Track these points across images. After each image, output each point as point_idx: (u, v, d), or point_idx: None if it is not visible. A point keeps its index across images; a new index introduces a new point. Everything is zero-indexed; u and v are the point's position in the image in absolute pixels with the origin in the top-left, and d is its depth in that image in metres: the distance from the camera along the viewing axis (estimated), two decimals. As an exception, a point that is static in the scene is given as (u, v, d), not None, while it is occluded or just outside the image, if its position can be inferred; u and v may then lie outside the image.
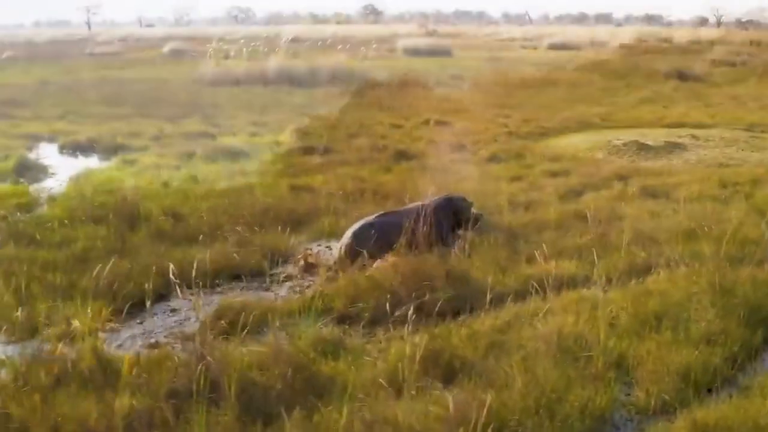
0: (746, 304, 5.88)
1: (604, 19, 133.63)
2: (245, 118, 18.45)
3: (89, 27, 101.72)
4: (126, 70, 31.46)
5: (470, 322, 5.74)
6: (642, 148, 13.62)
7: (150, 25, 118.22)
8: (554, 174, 11.52)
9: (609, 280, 6.35)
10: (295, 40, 54.78)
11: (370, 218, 7.97)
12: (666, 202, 9.69)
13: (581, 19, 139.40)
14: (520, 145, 14.30)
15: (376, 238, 7.57)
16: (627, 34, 60.85)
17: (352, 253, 7.50)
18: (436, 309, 5.56)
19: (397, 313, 5.57)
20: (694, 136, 14.94)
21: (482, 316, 5.81)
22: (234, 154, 13.56)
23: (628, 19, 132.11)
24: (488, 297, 5.67)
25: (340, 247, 7.72)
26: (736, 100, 21.55)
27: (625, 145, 13.88)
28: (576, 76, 28.42)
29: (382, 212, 8.15)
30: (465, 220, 8.20)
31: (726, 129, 16.13)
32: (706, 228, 7.83)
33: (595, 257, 6.48)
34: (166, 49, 40.99)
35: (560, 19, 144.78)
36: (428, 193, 8.21)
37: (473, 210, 8.38)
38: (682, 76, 27.42)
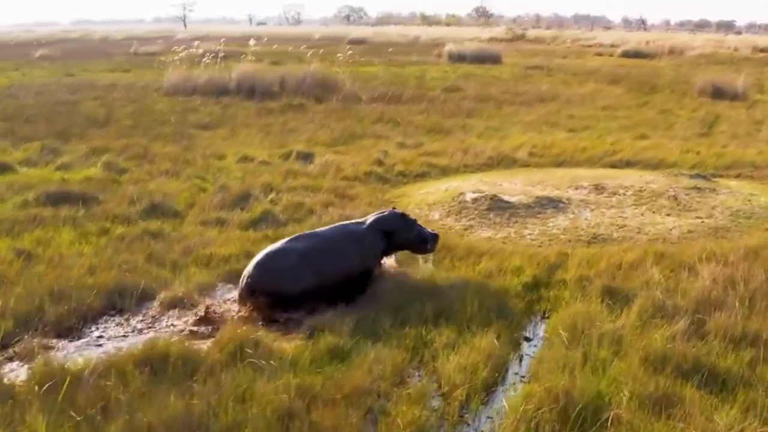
0: None
1: (725, 26, 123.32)
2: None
3: (185, 25, 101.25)
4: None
5: None
6: (497, 206, 9.58)
7: (262, 23, 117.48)
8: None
9: None
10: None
11: (280, 243, 6.62)
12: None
13: (702, 25, 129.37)
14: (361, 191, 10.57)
15: (294, 270, 6.31)
16: (734, 42, 54.83)
17: (253, 292, 6.17)
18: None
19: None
20: (598, 187, 10.69)
21: None
22: None
23: (751, 27, 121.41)
24: None
25: (240, 285, 6.31)
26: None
27: (475, 201, 9.75)
28: (581, 90, 23.52)
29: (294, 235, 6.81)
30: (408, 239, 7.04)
31: (668, 173, 11.62)
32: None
33: None
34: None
35: (683, 25, 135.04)
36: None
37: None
38: (719, 94, 22.15)
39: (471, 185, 10.67)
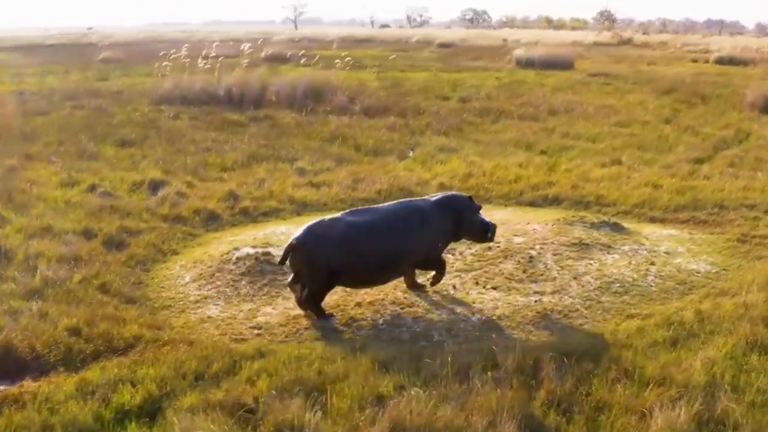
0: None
1: None
2: None
3: (296, 26, 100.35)
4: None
5: None
6: (258, 269, 7.31)
7: (385, 26, 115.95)
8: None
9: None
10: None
11: (336, 215, 6.37)
12: None
13: None
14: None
15: (345, 243, 5.97)
16: None
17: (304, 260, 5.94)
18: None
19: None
20: None
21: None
22: None
23: None
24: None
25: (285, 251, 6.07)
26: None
27: (239, 260, 7.50)
28: (616, 101, 20.22)
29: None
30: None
31: (566, 219, 8.86)
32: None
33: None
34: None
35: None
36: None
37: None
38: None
39: (267, 236, 8.16)
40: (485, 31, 76.56)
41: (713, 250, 8.16)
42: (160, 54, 22.51)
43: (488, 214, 7.36)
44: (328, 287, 6.20)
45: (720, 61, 38.24)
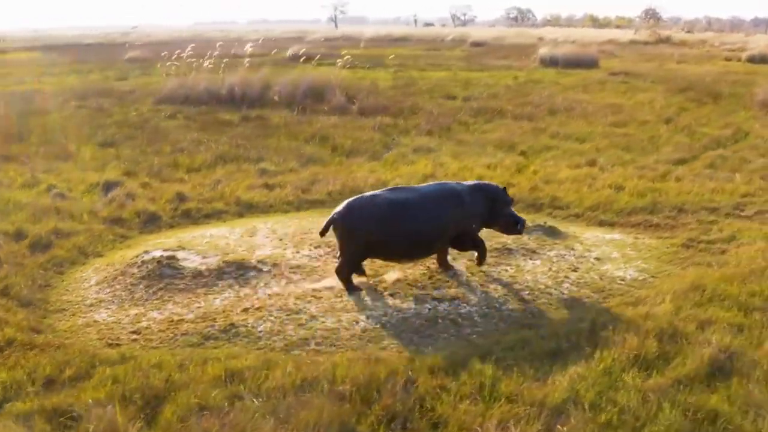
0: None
1: None
2: None
3: (336, 25, 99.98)
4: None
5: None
6: (159, 273, 7.22)
7: (429, 24, 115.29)
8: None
9: None
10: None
11: (376, 191, 6.66)
12: None
13: None
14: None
15: (382, 218, 6.24)
16: None
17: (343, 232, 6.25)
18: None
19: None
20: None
21: None
22: None
23: None
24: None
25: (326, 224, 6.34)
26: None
27: (143, 264, 7.43)
28: (625, 100, 19.68)
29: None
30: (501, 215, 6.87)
31: None
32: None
33: None
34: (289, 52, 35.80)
35: None
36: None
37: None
38: None
39: (188, 240, 7.98)
40: (524, 30, 75.54)
41: (651, 256, 7.76)
42: (176, 53, 22.52)
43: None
44: (363, 258, 6.53)
45: (751, 60, 37.06)
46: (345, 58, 21.21)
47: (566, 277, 6.96)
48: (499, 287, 6.67)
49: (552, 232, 8.07)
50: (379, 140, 13.97)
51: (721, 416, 4.52)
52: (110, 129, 15.23)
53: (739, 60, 38.11)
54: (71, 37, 62.20)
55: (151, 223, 9.02)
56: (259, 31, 72.41)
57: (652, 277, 7.11)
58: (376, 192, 6.63)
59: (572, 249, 7.66)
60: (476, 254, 6.97)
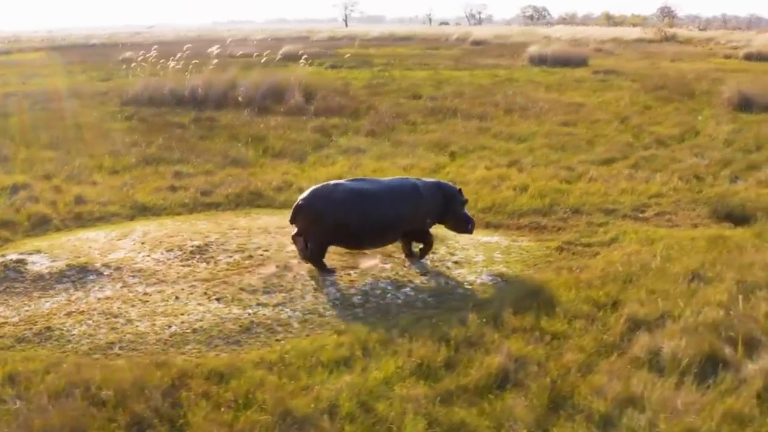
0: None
1: None
2: None
3: (346, 24, 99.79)
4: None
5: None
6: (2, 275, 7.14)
7: (444, 23, 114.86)
8: None
9: None
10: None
11: (339, 180, 7.12)
12: None
13: None
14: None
15: (343, 203, 6.63)
16: None
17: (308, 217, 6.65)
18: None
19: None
20: (200, 249, 7.86)
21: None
22: None
23: None
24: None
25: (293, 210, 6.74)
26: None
27: None
28: (587, 99, 19.39)
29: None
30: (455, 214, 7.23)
31: None
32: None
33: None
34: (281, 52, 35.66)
35: None
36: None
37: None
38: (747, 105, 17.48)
39: (53, 243, 7.96)
40: (532, 29, 75.06)
41: (518, 260, 7.60)
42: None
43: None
44: (330, 242, 6.81)
45: (748, 57, 36.53)
46: (304, 58, 21.15)
47: (410, 281, 6.83)
48: (334, 291, 6.56)
49: (421, 235, 7.91)
50: (314, 141, 13.87)
51: (467, 429, 4.39)
52: (59, 131, 15.25)
53: (737, 58, 37.56)
54: (79, 37, 62.65)
55: (39, 226, 8.98)
56: (267, 30, 72.72)
57: (504, 282, 6.95)
58: (339, 181, 7.06)
59: (435, 252, 7.51)
60: (420, 247, 7.30)
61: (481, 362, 5.11)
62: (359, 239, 6.86)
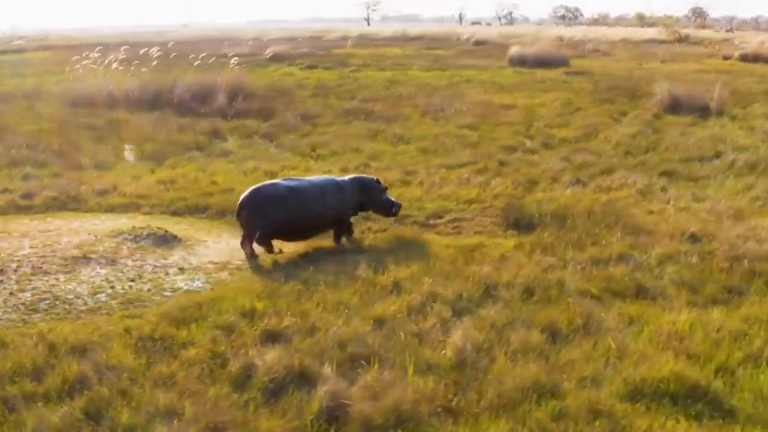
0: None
1: None
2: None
3: (368, 23, 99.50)
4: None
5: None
6: None
7: (476, 23, 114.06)
8: None
9: None
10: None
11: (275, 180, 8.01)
12: None
13: None
14: None
15: (282, 199, 7.42)
16: None
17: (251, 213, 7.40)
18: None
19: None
20: None
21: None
22: None
23: None
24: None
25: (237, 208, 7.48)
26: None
27: None
28: (522, 99, 19.01)
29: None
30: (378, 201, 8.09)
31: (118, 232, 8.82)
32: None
33: None
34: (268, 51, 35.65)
35: None
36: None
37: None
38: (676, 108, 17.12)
39: None
40: (542, 28, 74.03)
41: (254, 267, 7.43)
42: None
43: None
44: (272, 235, 7.53)
45: (744, 58, 35.54)
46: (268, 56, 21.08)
47: (112, 287, 6.72)
48: (27, 295, 6.48)
49: (164, 240, 7.81)
50: (191, 143, 13.82)
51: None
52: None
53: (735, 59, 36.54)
54: (101, 36, 63.56)
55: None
56: (286, 29, 73.13)
57: (212, 289, 6.80)
58: (275, 181, 7.95)
59: (162, 258, 7.39)
60: (344, 234, 8.05)
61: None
62: (295, 230, 7.65)
